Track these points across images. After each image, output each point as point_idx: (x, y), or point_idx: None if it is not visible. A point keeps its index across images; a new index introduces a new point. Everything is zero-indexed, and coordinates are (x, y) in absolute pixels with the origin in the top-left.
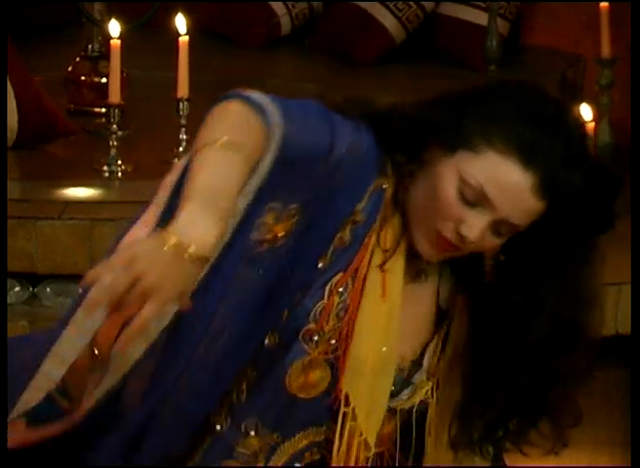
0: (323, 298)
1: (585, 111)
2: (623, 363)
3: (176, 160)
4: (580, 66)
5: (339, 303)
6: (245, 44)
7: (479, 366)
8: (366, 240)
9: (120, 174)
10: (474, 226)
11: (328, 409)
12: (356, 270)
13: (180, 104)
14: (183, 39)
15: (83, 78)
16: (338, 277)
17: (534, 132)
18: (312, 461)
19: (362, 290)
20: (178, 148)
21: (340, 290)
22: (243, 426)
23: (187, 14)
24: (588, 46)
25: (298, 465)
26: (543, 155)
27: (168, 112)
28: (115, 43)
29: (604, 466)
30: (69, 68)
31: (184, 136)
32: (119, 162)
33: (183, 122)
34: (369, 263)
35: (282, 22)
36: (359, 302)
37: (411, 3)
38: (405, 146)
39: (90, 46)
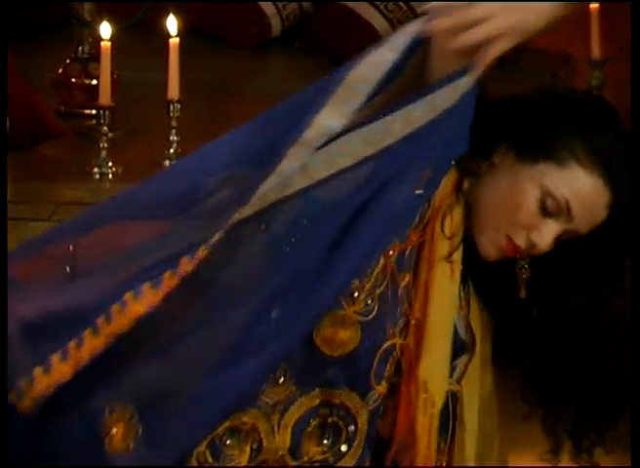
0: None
1: None
2: None
3: (167, 162)
4: (571, 67)
5: (385, 266)
6: (236, 44)
7: (546, 374)
8: (425, 211)
9: (111, 175)
10: (547, 235)
11: (347, 375)
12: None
13: (171, 106)
14: (174, 41)
15: (73, 80)
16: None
17: (616, 148)
18: (326, 423)
19: (429, 280)
20: (168, 150)
21: (390, 253)
22: (271, 375)
23: (178, 14)
24: (579, 46)
25: (312, 421)
26: (621, 173)
27: (159, 114)
28: (105, 45)
29: (604, 466)
30: (59, 70)
31: (175, 138)
32: (110, 163)
33: (174, 124)
34: (433, 245)
35: (272, 23)
36: (428, 289)
37: (401, 4)
38: (479, 145)
39: (80, 48)
